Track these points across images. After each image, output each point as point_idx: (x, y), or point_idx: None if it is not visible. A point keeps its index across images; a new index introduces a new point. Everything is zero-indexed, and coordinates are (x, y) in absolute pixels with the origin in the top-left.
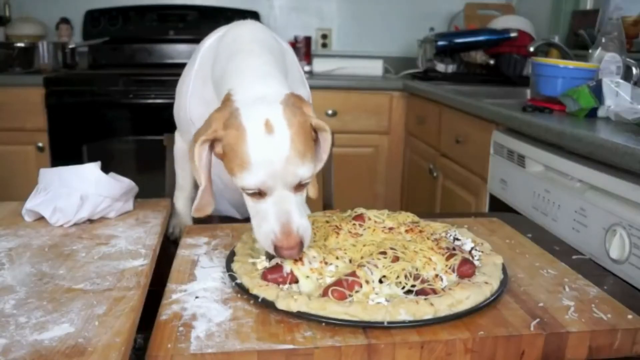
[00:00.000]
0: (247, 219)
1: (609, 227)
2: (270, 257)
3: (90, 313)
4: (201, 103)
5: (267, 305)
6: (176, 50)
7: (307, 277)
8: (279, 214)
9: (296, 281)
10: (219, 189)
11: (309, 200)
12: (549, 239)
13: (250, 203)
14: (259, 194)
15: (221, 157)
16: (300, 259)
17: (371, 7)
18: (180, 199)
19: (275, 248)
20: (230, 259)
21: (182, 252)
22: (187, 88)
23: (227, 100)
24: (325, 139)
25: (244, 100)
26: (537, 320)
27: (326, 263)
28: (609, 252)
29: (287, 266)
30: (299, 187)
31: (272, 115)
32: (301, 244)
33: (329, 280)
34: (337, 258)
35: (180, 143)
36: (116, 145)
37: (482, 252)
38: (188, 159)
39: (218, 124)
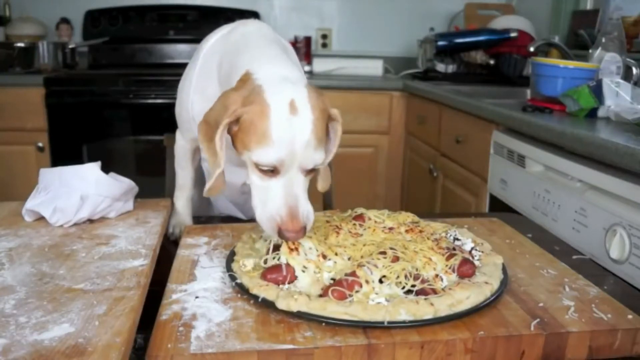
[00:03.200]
0: (249, 220)
1: (609, 227)
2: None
3: (90, 313)
4: (204, 100)
5: (267, 305)
6: (176, 50)
7: (305, 269)
8: (287, 196)
9: (295, 278)
10: None
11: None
12: (549, 239)
13: (257, 180)
14: (272, 171)
15: (235, 133)
16: (296, 249)
17: (371, 7)
18: (181, 199)
19: (279, 230)
20: (230, 259)
21: (182, 252)
22: (189, 86)
23: (246, 79)
24: (337, 131)
25: (267, 78)
26: (537, 320)
27: (324, 257)
28: (609, 252)
29: (283, 257)
30: (310, 171)
31: (297, 96)
32: (304, 229)
33: (326, 275)
34: (336, 254)
35: (181, 142)
36: (116, 145)
37: (482, 252)
38: (188, 158)
39: (237, 103)
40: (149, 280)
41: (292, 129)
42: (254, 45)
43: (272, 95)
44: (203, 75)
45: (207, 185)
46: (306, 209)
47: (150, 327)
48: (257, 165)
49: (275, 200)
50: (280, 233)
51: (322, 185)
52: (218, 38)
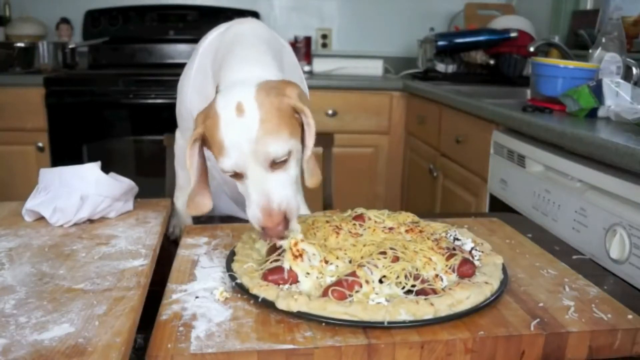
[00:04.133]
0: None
1: (609, 227)
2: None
3: (90, 313)
4: (202, 99)
5: (267, 305)
6: (176, 50)
7: (307, 274)
8: (258, 196)
9: (297, 281)
10: (218, 184)
11: (308, 201)
12: (549, 239)
13: (238, 185)
14: (237, 175)
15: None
16: (300, 256)
17: (371, 7)
18: (180, 199)
19: (262, 230)
20: (230, 259)
21: (182, 252)
22: (188, 84)
23: (217, 92)
24: (308, 123)
25: (223, 87)
26: (537, 320)
27: (326, 262)
28: (609, 252)
29: (287, 263)
30: (276, 165)
31: (243, 97)
32: (286, 220)
33: (329, 280)
34: (337, 258)
35: (181, 142)
36: (116, 145)
37: (482, 252)
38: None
39: (200, 121)
40: (149, 280)
41: (238, 131)
42: (238, 47)
43: (220, 103)
44: (200, 74)
45: (188, 202)
46: (281, 199)
47: (150, 327)
48: (224, 173)
49: (251, 204)
50: (264, 233)
51: (310, 180)
52: (214, 37)
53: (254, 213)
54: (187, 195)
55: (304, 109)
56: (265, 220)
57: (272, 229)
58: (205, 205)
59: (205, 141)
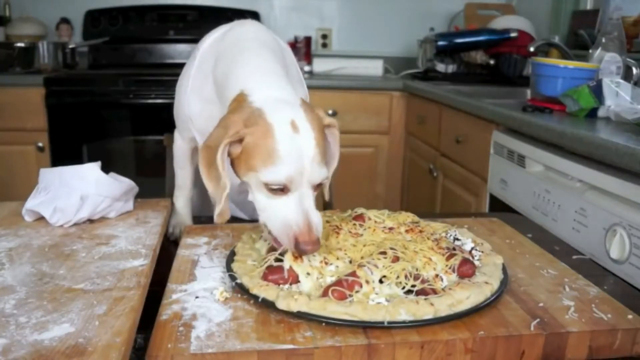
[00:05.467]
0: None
1: (609, 227)
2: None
3: (91, 313)
4: (200, 100)
5: (267, 305)
6: (176, 50)
7: (307, 274)
8: (300, 212)
9: (297, 281)
10: None
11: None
12: (549, 239)
13: (264, 198)
14: (282, 190)
15: (237, 155)
16: (300, 257)
17: (371, 7)
18: (180, 199)
19: (297, 242)
20: (230, 259)
21: (182, 252)
22: (186, 85)
23: (241, 101)
24: (335, 135)
25: (263, 100)
26: (537, 320)
27: (326, 263)
28: (609, 252)
29: (287, 262)
30: (318, 186)
31: (296, 116)
32: (319, 241)
33: (329, 280)
34: (337, 258)
35: (179, 142)
36: (116, 145)
37: (482, 252)
38: (187, 158)
39: (238, 125)
40: (149, 280)
41: (297, 147)
42: (247, 54)
43: (273, 116)
44: (199, 76)
45: (216, 211)
46: (318, 221)
47: (150, 327)
48: (266, 185)
49: (292, 214)
50: (297, 246)
51: (328, 194)
52: (214, 39)
53: (296, 224)
54: (186, 196)
55: (335, 123)
56: (305, 235)
57: (309, 244)
58: (228, 211)
59: (231, 146)
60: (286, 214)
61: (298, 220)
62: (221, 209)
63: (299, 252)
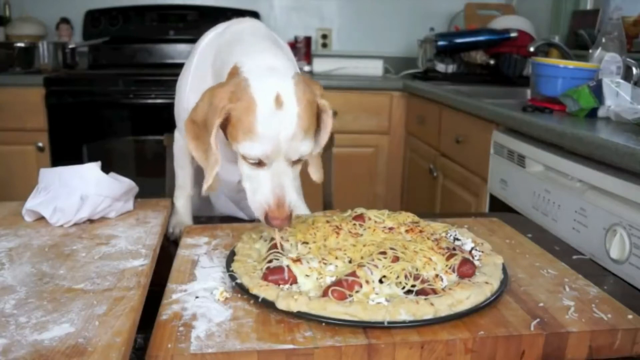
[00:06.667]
0: (249, 220)
1: (609, 227)
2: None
3: (91, 313)
4: None
5: (267, 305)
6: (176, 50)
7: (307, 275)
8: (274, 186)
9: (297, 281)
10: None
11: (308, 201)
12: (549, 239)
13: (246, 169)
14: (259, 163)
15: (225, 127)
16: (299, 260)
17: (371, 7)
18: (180, 199)
19: (267, 217)
20: (230, 259)
21: (182, 252)
22: (185, 84)
23: (234, 72)
24: (327, 121)
25: (253, 70)
26: (537, 320)
27: (325, 263)
28: (609, 252)
29: (285, 260)
30: (297, 161)
31: (282, 89)
32: (290, 217)
33: (328, 280)
34: (336, 258)
35: (180, 141)
36: (116, 145)
37: (482, 252)
38: (187, 158)
39: (224, 101)
40: (149, 280)
41: (277, 124)
42: (245, 41)
43: (257, 89)
44: (198, 73)
45: (205, 184)
46: (292, 197)
47: (150, 327)
48: (244, 157)
49: (264, 189)
50: (267, 220)
51: (316, 175)
52: (212, 36)
53: (265, 200)
54: (186, 196)
55: (328, 109)
56: (275, 211)
57: (278, 220)
58: (217, 185)
59: (226, 119)
60: (260, 186)
61: (269, 195)
62: (209, 182)
63: (269, 225)
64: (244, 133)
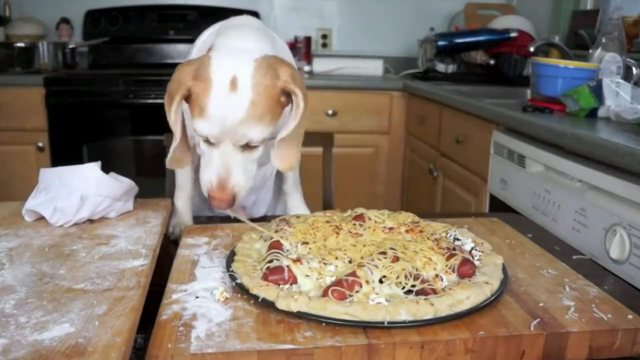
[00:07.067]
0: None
1: (609, 227)
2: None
3: (91, 313)
4: None
5: (267, 305)
6: (176, 50)
7: (307, 276)
8: (219, 167)
9: (297, 281)
10: None
11: (308, 201)
12: (549, 239)
13: (203, 145)
14: (208, 142)
15: (189, 101)
16: (299, 260)
17: (371, 7)
18: (181, 199)
19: (209, 196)
20: (230, 259)
21: (182, 252)
22: None
23: (208, 51)
24: (298, 104)
25: (220, 50)
26: (538, 320)
27: (325, 263)
28: (609, 252)
29: (285, 261)
30: (248, 146)
31: (240, 72)
32: (232, 200)
33: (328, 280)
34: (336, 258)
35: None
36: (116, 145)
37: (482, 252)
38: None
39: (188, 77)
40: (149, 280)
41: (227, 106)
42: (231, 29)
43: (215, 71)
44: None
45: (169, 157)
46: (237, 181)
47: (150, 327)
48: (195, 132)
49: (210, 168)
50: (209, 199)
51: (280, 164)
52: (210, 33)
53: (209, 179)
54: (186, 196)
55: (297, 90)
56: (216, 191)
57: (219, 200)
58: (185, 161)
59: (187, 94)
60: (209, 165)
61: (212, 175)
62: (172, 156)
63: (212, 205)
64: (198, 111)
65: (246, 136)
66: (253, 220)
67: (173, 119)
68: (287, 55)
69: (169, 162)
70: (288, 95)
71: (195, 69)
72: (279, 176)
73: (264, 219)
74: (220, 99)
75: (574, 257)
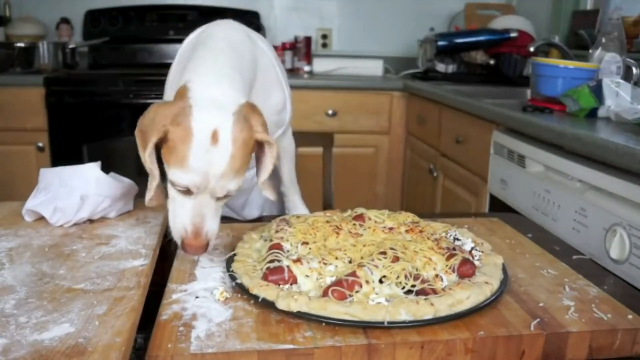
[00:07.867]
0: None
1: (609, 227)
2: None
3: (91, 313)
4: None
5: (267, 305)
6: (176, 50)
7: (307, 276)
8: (194, 216)
9: (297, 281)
10: None
11: (308, 201)
12: (549, 239)
13: (173, 193)
14: (185, 191)
15: (162, 145)
16: (299, 260)
17: (371, 7)
18: None
19: (183, 243)
20: (230, 258)
21: (182, 252)
22: (168, 81)
23: (182, 93)
24: (271, 152)
25: (198, 98)
26: (538, 320)
27: (325, 263)
28: (609, 252)
29: (285, 261)
30: (223, 197)
31: (221, 126)
32: (206, 246)
33: (328, 280)
34: (336, 258)
35: None
36: (116, 145)
37: (482, 252)
38: None
39: (167, 120)
40: (149, 280)
41: (208, 160)
42: (205, 52)
43: (197, 121)
44: (178, 74)
45: (147, 196)
46: (211, 228)
47: (150, 327)
48: (170, 182)
49: (184, 216)
50: (183, 246)
51: (270, 194)
52: (193, 37)
53: (183, 226)
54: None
55: (270, 140)
56: (191, 239)
57: (194, 248)
58: (163, 197)
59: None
60: (182, 213)
61: (187, 223)
62: (150, 195)
63: (184, 251)
64: (176, 161)
65: (225, 188)
66: (253, 221)
67: (149, 160)
68: (270, 62)
69: (148, 202)
70: (259, 142)
71: (175, 114)
72: (274, 177)
73: (259, 220)
74: (202, 151)
75: (574, 257)
